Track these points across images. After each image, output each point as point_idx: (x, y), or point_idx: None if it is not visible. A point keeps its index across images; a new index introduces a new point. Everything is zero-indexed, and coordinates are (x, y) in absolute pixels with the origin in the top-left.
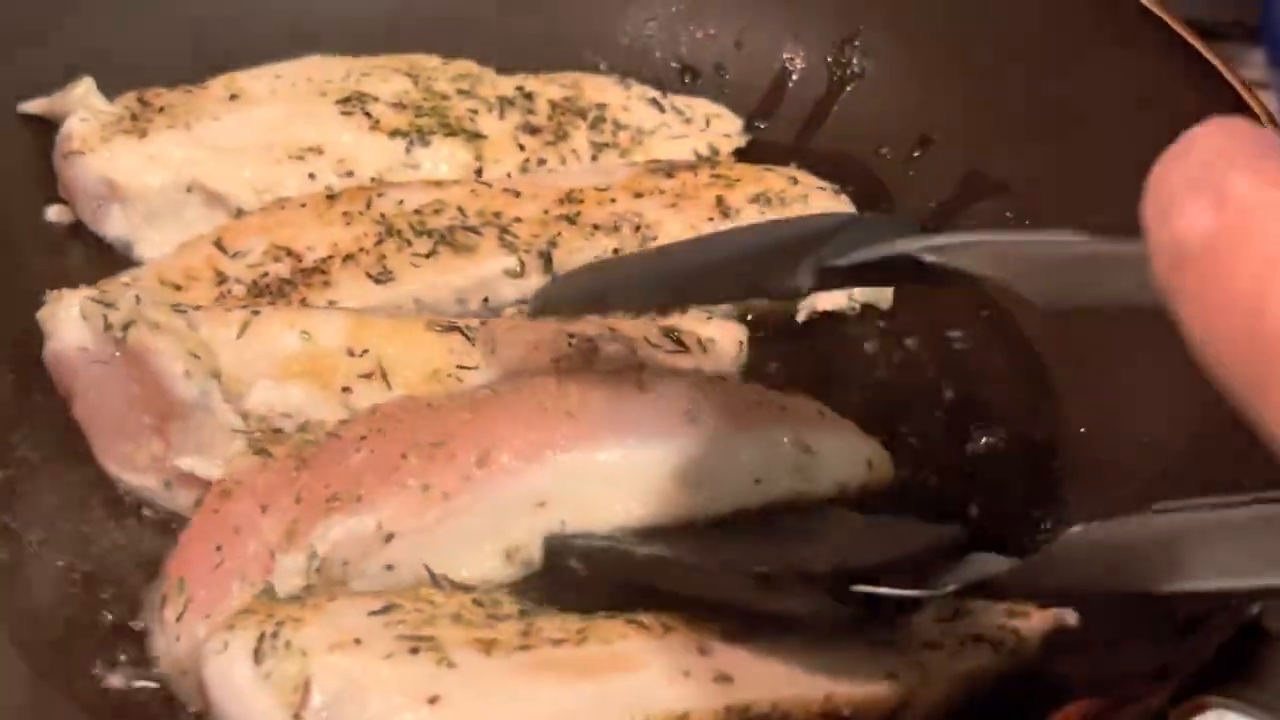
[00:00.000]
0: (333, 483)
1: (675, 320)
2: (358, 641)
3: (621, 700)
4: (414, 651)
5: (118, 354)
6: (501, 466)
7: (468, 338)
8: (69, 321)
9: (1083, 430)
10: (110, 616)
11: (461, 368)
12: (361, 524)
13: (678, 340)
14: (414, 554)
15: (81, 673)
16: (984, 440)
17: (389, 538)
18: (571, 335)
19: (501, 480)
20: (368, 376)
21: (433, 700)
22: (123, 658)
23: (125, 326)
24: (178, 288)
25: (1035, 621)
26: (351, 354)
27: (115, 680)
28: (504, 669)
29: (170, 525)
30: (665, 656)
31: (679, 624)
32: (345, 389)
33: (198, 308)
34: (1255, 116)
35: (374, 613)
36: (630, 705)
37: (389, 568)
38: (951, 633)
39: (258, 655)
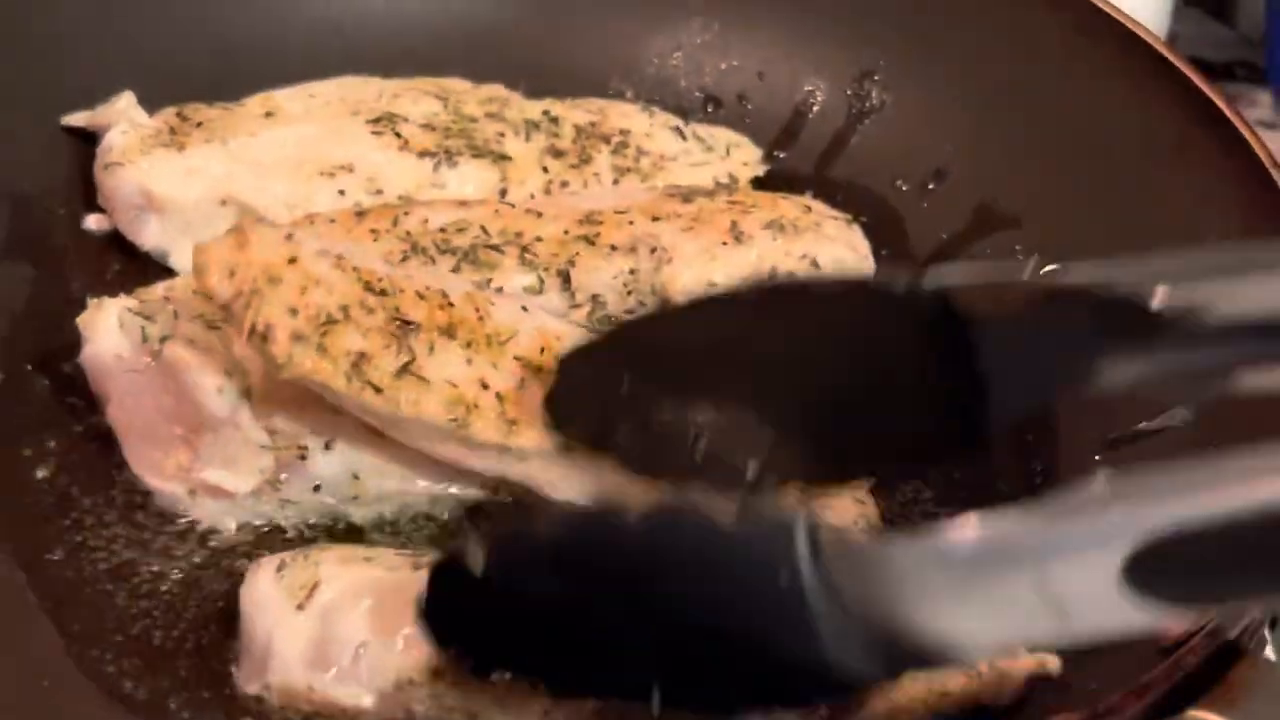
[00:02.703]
0: None
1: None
2: (367, 560)
3: None
4: (415, 568)
5: (152, 364)
6: None
7: None
8: (107, 329)
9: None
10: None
11: None
12: None
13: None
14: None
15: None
16: None
17: None
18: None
19: None
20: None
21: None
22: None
23: (162, 340)
24: (210, 298)
25: (1018, 662)
26: None
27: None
28: None
29: (191, 533)
30: None
31: None
32: None
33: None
34: (1259, 157)
35: (398, 554)
36: None
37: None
38: None
39: (280, 567)
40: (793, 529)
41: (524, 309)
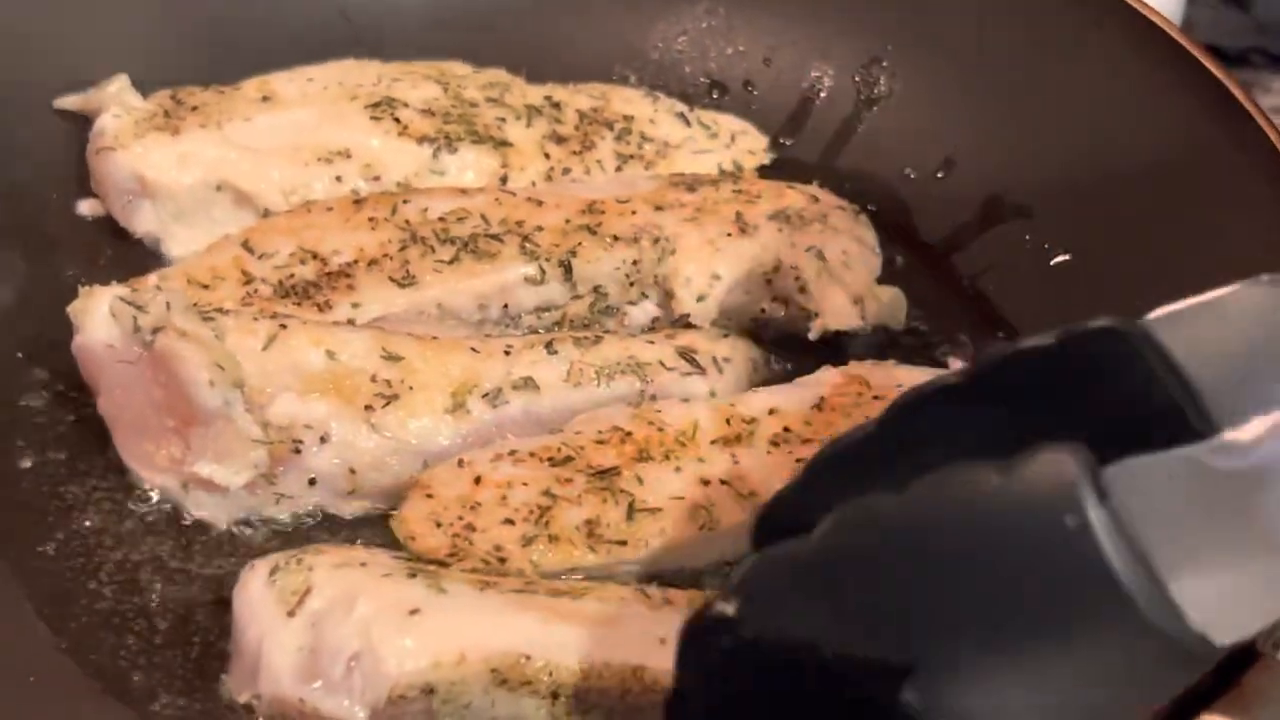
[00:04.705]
0: None
1: (690, 339)
2: (363, 564)
3: (586, 645)
4: (411, 576)
5: (144, 354)
6: None
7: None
8: (98, 318)
9: None
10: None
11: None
12: None
13: (693, 361)
14: None
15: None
16: None
17: None
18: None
19: None
20: (391, 397)
21: (413, 612)
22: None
23: (153, 331)
24: (205, 287)
25: None
26: (374, 379)
27: None
28: (492, 601)
29: (184, 527)
30: (649, 622)
31: (681, 600)
32: (368, 407)
33: (225, 311)
34: (1274, 143)
35: (394, 556)
36: (595, 651)
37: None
38: None
39: (272, 571)
40: (1070, 469)
41: (684, 400)
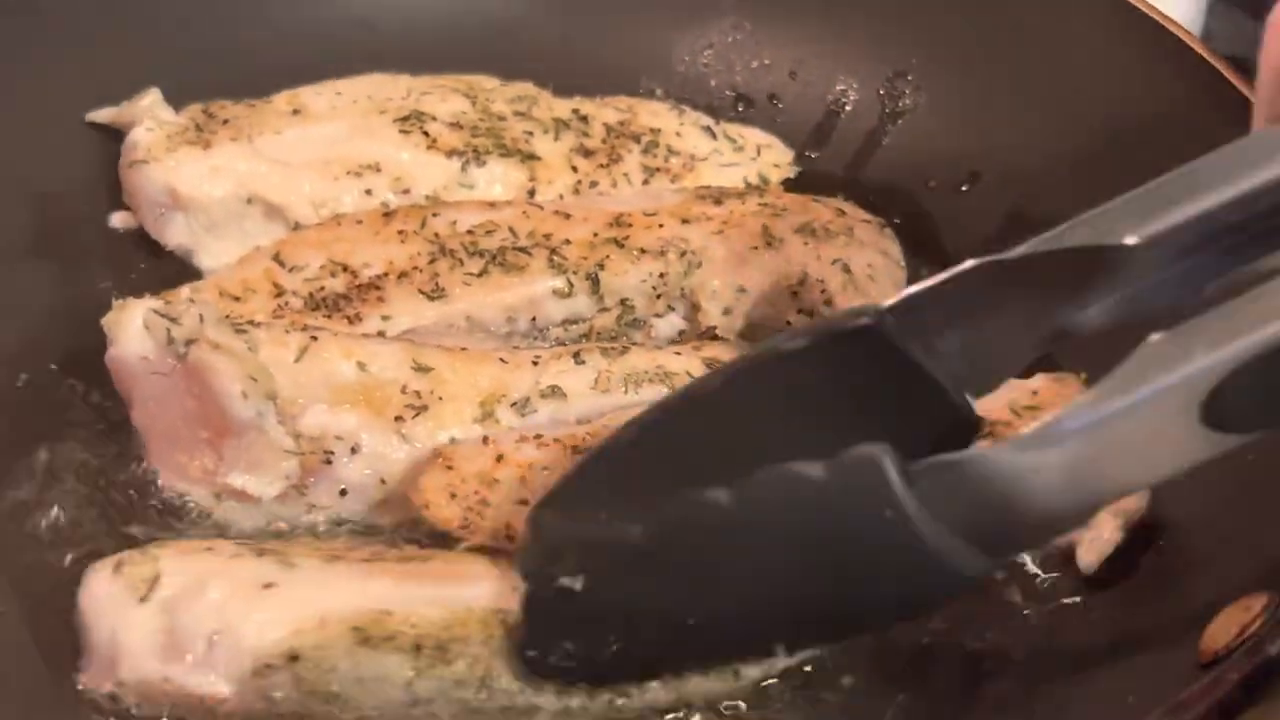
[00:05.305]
0: None
1: (716, 351)
2: (208, 549)
3: (446, 598)
4: (259, 554)
5: (177, 366)
6: None
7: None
8: (132, 330)
9: None
10: None
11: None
12: None
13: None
14: None
15: None
16: None
17: None
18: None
19: None
20: (421, 408)
21: (267, 586)
22: None
23: (187, 343)
24: (236, 299)
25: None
26: (404, 390)
27: None
28: (342, 571)
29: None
30: (500, 578)
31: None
32: (398, 418)
33: (257, 323)
34: None
35: (235, 541)
36: (454, 601)
37: None
38: None
39: (117, 566)
40: (879, 462)
41: None
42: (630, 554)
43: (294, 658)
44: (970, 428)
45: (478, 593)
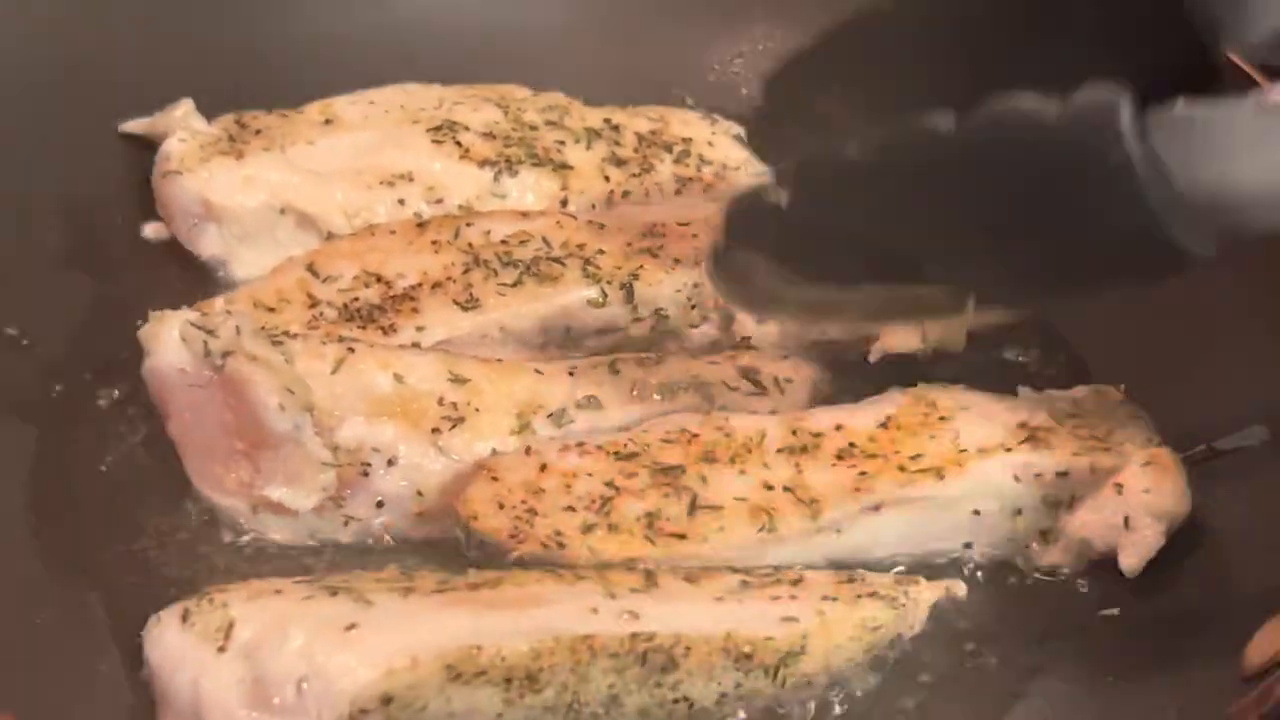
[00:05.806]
0: None
1: (752, 359)
2: (278, 592)
3: (530, 626)
4: (333, 594)
5: (214, 378)
6: None
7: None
8: (168, 342)
9: None
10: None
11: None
12: None
13: (755, 381)
14: None
15: None
16: None
17: None
18: (658, 384)
19: None
20: (458, 420)
21: (349, 627)
22: None
23: (224, 355)
24: (270, 310)
25: (924, 588)
26: (441, 402)
27: None
28: (420, 605)
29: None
30: (575, 598)
31: (592, 576)
32: (435, 430)
33: (293, 335)
34: None
35: (296, 581)
36: (539, 630)
37: None
38: (849, 590)
39: (185, 617)
40: (1117, 108)
41: (752, 412)
42: (843, 170)
43: (387, 700)
44: (1214, 76)
45: (558, 617)
